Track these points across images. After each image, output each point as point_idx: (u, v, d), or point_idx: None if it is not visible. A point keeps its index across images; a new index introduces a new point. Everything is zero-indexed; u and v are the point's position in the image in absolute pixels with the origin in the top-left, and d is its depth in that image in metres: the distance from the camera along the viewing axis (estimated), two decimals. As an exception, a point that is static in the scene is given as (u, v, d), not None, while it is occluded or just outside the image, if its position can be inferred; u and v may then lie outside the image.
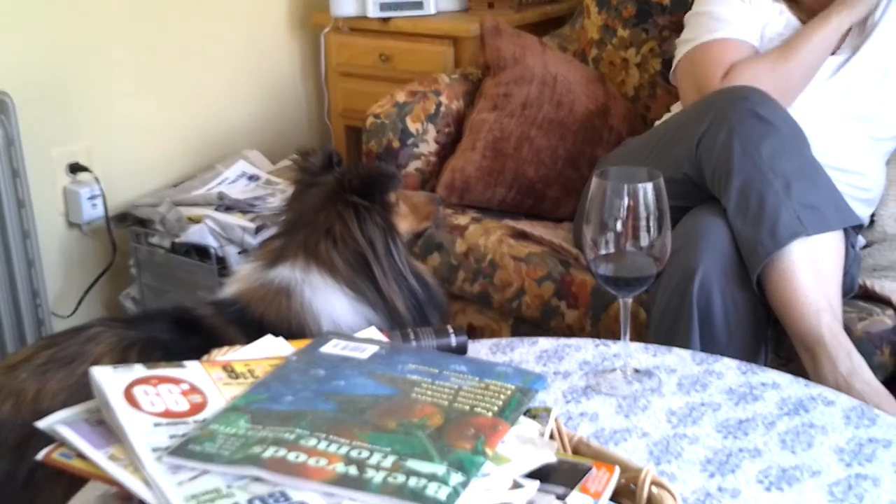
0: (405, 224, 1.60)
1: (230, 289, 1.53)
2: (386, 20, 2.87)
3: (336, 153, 1.61)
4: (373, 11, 2.87)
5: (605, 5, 2.52)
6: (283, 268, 1.51)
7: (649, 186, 1.17)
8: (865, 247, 1.98)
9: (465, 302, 2.14)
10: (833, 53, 1.97)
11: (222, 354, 1.13)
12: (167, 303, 2.45)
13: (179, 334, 1.41)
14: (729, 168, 1.64)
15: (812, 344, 1.56)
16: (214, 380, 1.03)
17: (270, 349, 1.14)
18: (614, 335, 1.57)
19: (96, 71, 2.61)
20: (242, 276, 1.54)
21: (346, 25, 2.95)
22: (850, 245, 1.71)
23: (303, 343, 1.14)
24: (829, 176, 1.70)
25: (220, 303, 1.50)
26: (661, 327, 1.65)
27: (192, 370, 1.05)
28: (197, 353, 1.13)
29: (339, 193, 1.52)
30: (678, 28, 2.12)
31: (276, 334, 1.18)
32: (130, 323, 1.46)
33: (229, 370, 1.06)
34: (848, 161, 1.90)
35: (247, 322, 1.44)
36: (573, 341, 1.38)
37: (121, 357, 1.34)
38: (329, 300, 1.47)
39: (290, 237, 1.55)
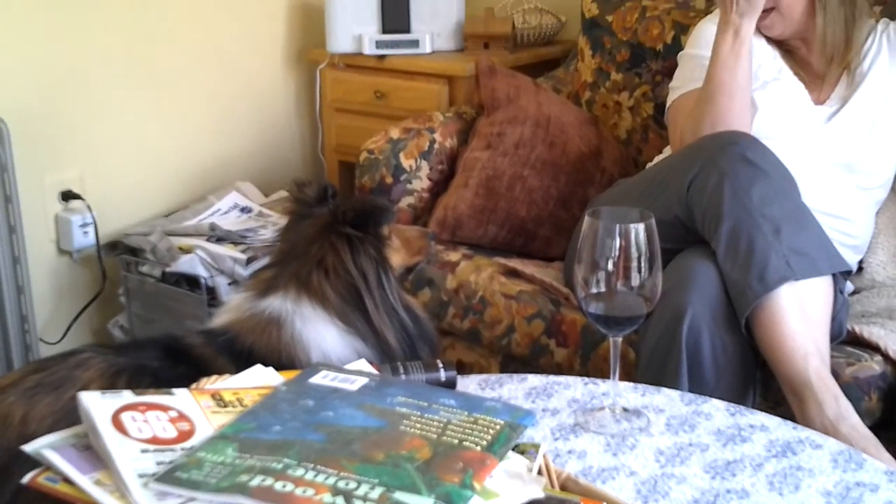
0: (397, 258, 1.60)
1: (221, 318, 1.53)
2: (382, 58, 2.89)
3: (331, 186, 1.61)
4: (369, 49, 2.89)
5: (600, 49, 2.55)
6: (274, 298, 1.50)
7: (641, 227, 1.18)
8: (854, 293, 1.99)
9: (454, 338, 2.14)
10: (822, 104, 1.99)
11: (211, 383, 1.12)
12: (156, 332, 2.45)
13: (168, 362, 1.40)
14: (719, 212, 1.65)
15: (799, 387, 1.56)
16: (203, 408, 1.03)
17: (259, 379, 1.14)
18: (603, 374, 1.58)
19: (91, 99, 2.62)
20: (233, 306, 1.54)
21: (341, 62, 2.97)
22: (838, 290, 1.72)
23: (292, 373, 1.14)
24: (818, 221, 1.71)
25: (210, 332, 1.50)
26: (651, 367, 1.65)
27: (180, 398, 1.05)
28: (186, 381, 1.12)
29: (332, 225, 1.52)
30: (671, 73, 2.14)
31: (266, 364, 1.18)
32: (120, 350, 1.46)
33: (218, 398, 1.06)
34: (836, 208, 1.91)
35: (237, 352, 1.43)
36: (562, 379, 1.38)
37: (109, 383, 1.33)
38: (319, 331, 1.47)
39: (283, 268, 1.54)
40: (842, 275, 1.77)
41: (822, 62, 1.98)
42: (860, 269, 2.04)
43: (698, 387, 1.59)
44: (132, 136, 2.74)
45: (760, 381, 1.69)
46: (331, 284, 1.49)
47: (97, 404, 0.98)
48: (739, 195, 1.65)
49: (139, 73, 2.73)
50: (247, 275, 2.41)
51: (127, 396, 1.02)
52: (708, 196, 1.68)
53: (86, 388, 1.28)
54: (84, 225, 2.62)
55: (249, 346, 1.44)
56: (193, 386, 1.11)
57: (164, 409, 1.01)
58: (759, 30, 2.04)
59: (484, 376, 1.40)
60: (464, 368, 2.11)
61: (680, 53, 2.11)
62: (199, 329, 1.53)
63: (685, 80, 2.03)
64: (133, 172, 2.76)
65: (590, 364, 1.90)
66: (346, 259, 1.49)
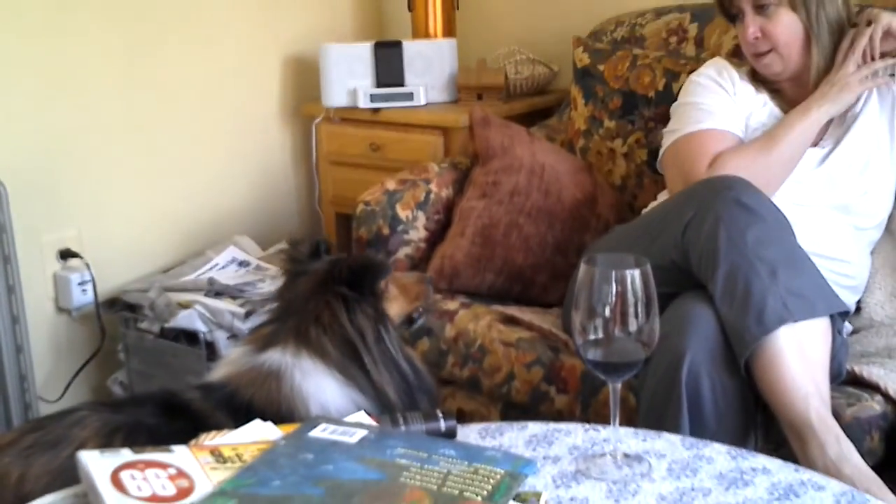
0: (396, 307, 1.60)
1: (219, 372, 1.53)
2: (376, 111, 2.92)
3: (324, 242, 1.63)
4: (364, 102, 2.92)
5: (592, 97, 2.57)
6: (273, 352, 1.51)
7: (637, 273, 1.18)
8: (853, 333, 1.99)
9: (454, 387, 2.14)
10: (815, 145, 2.00)
11: (210, 439, 1.12)
12: (155, 387, 2.44)
13: (165, 418, 1.40)
14: (715, 255, 1.66)
15: (801, 429, 1.56)
16: (202, 464, 1.03)
17: (258, 433, 1.14)
18: (604, 420, 1.57)
19: (88, 158, 2.64)
20: (232, 360, 1.54)
21: (337, 115, 3.00)
22: (836, 331, 1.72)
23: (291, 427, 1.14)
24: (815, 264, 1.72)
25: (208, 386, 1.50)
26: (651, 412, 1.65)
27: (179, 455, 1.05)
28: (183, 437, 1.12)
29: (328, 283, 1.53)
30: (663, 119, 2.16)
31: (265, 418, 1.18)
32: (117, 407, 1.46)
33: (217, 454, 1.06)
34: (832, 249, 1.92)
35: (235, 406, 1.43)
36: (563, 426, 1.38)
37: (105, 441, 1.33)
38: (319, 384, 1.47)
39: (281, 323, 1.55)
40: (840, 315, 1.78)
41: None
42: (858, 309, 2.04)
43: (699, 430, 1.59)
44: (129, 194, 2.76)
45: (762, 423, 1.69)
46: (329, 339, 1.50)
47: (96, 463, 0.98)
48: (735, 239, 1.66)
49: (135, 131, 2.75)
50: (246, 329, 2.42)
51: (126, 455, 1.02)
52: (704, 240, 1.68)
53: (82, 446, 1.28)
54: (82, 283, 2.63)
55: (248, 400, 1.44)
56: (192, 442, 1.11)
57: (164, 466, 1.01)
58: (753, 76, 2.08)
59: (484, 425, 1.39)
60: (464, 417, 2.10)
61: (673, 105, 2.13)
62: (196, 384, 1.54)
63: (682, 125, 2.04)
64: (130, 229, 2.77)
65: (590, 410, 1.90)
66: (343, 318, 1.50)
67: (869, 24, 1.94)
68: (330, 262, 1.58)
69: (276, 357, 1.50)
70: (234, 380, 1.49)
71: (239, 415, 1.33)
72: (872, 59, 1.93)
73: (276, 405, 1.44)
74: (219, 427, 1.19)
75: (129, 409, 1.43)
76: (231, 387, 1.47)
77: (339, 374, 1.49)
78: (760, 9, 1.96)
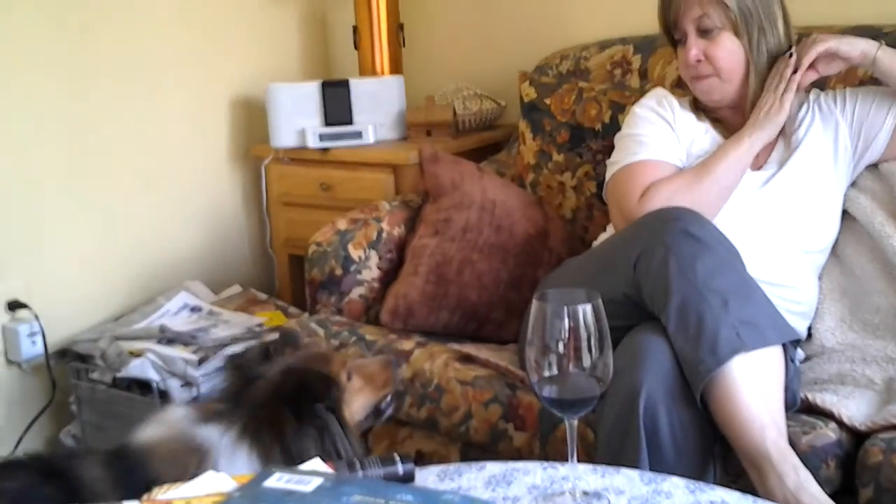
0: (361, 399, 1.56)
1: (144, 433, 1.44)
2: (326, 150, 2.91)
3: (271, 348, 1.58)
4: (313, 142, 2.91)
5: (540, 131, 2.59)
6: (214, 428, 1.43)
7: (588, 307, 1.19)
8: (805, 360, 2.01)
9: (412, 427, 2.12)
10: (760, 168, 2.03)
11: (163, 492, 1.10)
12: (109, 440, 2.37)
13: (36, 481, 1.31)
14: (666, 288, 1.67)
15: (758, 460, 1.56)
16: (154, 520, 1.01)
17: (212, 485, 1.12)
18: (563, 456, 1.56)
19: (32, 207, 2.61)
20: (164, 420, 1.46)
21: (286, 156, 2.99)
22: (789, 359, 1.73)
23: (245, 478, 1.12)
24: (764, 291, 1.74)
25: (117, 453, 1.41)
26: (610, 448, 1.64)
27: (131, 511, 1.02)
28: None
29: (274, 400, 1.46)
30: (610, 151, 2.17)
31: None
32: None
33: (170, 510, 1.03)
34: (780, 276, 1.94)
35: (135, 482, 1.30)
36: (521, 465, 1.37)
37: None
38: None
39: (236, 408, 1.48)
40: (791, 343, 1.79)
41: None
42: (809, 335, 2.06)
43: (658, 464, 1.59)
44: (77, 242, 2.73)
45: (720, 455, 1.69)
46: (281, 446, 1.44)
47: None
48: (685, 270, 1.66)
49: (80, 178, 2.72)
50: (199, 375, 2.38)
51: (75, 514, 1.00)
52: (654, 273, 1.69)
53: None
54: (32, 334, 2.58)
55: (153, 479, 1.31)
56: (145, 497, 1.09)
57: (115, 524, 0.99)
58: (694, 105, 2.10)
59: (442, 467, 1.38)
60: (423, 458, 2.08)
61: (616, 135, 2.16)
62: (110, 448, 1.44)
63: (623, 156, 2.06)
64: (79, 278, 2.74)
65: (549, 447, 1.89)
66: (288, 443, 1.43)
67: (791, 55, 1.98)
68: (280, 373, 1.51)
69: (213, 434, 1.42)
70: (151, 449, 1.40)
71: (134, 490, 1.18)
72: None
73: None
74: (95, 498, 1.13)
75: (2, 472, 1.35)
76: (140, 458, 1.38)
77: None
78: (704, 33, 1.99)
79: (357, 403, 1.54)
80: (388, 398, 1.63)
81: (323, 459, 1.38)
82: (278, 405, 1.46)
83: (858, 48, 1.95)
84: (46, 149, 2.63)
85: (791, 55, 1.99)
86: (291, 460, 1.42)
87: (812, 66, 1.98)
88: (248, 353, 1.56)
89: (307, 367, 1.53)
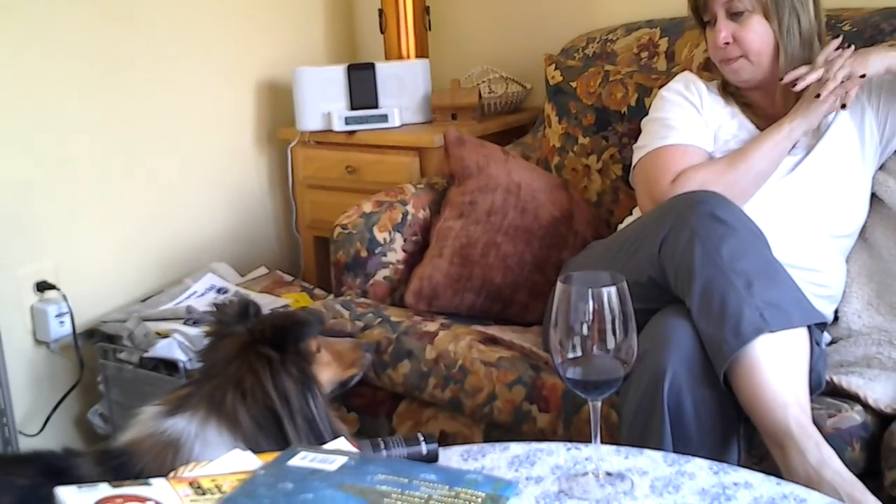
0: (328, 373, 1.54)
1: (126, 435, 1.45)
2: (351, 133, 2.92)
3: (254, 304, 1.55)
4: (338, 125, 2.92)
5: (566, 114, 2.58)
6: (180, 418, 1.42)
7: (613, 290, 1.19)
8: (831, 343, 2.00)
9: (436, 408, 2.13)
10: (788, 154, 2.02)
11: (189, 470, 1.12)
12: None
13: (41, 480, 1.31)
14: (690, 270, 1.66)
15: (781, 438, 1.56)
16: (181, 496, 1.02)
17: (237, 463, 1.13)
18: (587, 437, 1.57)
19: (62, 189, 2.63)
20: (139, 421, 1.46)
21: (312, 139, 3.00)
22: (814, 342, 1.72)
23: (270, 456, 1.13)
24: (790, 275, 1.73)
25: (104, 452, 1.43)
26: (634, 429, 1.65)
27: (158, 488, 1.04)
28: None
29: (251, 344, 1.46)
30: (636, 134, 2.17)
31: None
32: None
33: (196, 486, 1.05)
34: (807, 259, 1.93)
35: (125, 476, 1.31)
36: (545, 445, 1.38)
37: None
38: None
39: (198, 387, 1.47)
40: (818, 326, 1.78)
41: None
42: (836, 318, 2.05)
43: (682, 445, 1.59)
44: (105, 224, 2.75)
45: (744, 436, 1.69)
46: (246, 408, 1.42)
47: (74, 498, 0.98)
48: (710, 252, 1.66)
49: (109, 160, 2.74)
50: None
51: (104, 489, 1.01)
52: (679, 255, 1.69)
53: None
54: (60, 315, 2.61)
55: (140, 470, 1.36)
56: (171, 475, 1.10)
57: (142, 500, 1.01)
58: (723, 88, 2.09)
59: (466, 447, 1.39)
60: (447, 439, 2.09)
61: (643, 119, 2.15)
62: (94, 448, 1.47)
63: (651, 140, 2.06)
64: (107, 259, 2.76)
65: (572, 428, 1.90)
66: (266, 381, 1.42)
67: (849, 45, 1.95)
68: (252, 323, 1.51)
69: (180, 425, 1.41)
70: (133, 447, 1.41)
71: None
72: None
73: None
74: None
75: (5, 467, 1.37)
76: (126, 455, 1.39)
77: (247, 447, 1.37)
78: (734, 15, 1.98)
79: (324, 376, 1.51)
80: (354, 379, 1.61)
81: (294, 421, 1.38)
82: (253, 351, 1.45)
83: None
84: (76, 132, 2.65)
85: (849, 45, 1.96)
86: (268, 415, 1.41)
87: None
88: (227, 308, 1.54)
89: (288, 313, 1.52)
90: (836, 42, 1.97)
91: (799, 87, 1.94)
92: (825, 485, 1.48)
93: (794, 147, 2.02)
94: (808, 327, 1.69)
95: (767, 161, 1.96)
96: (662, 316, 1.69)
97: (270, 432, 1.41)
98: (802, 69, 1.95)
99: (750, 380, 1.59)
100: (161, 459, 1.37)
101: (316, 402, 1.45)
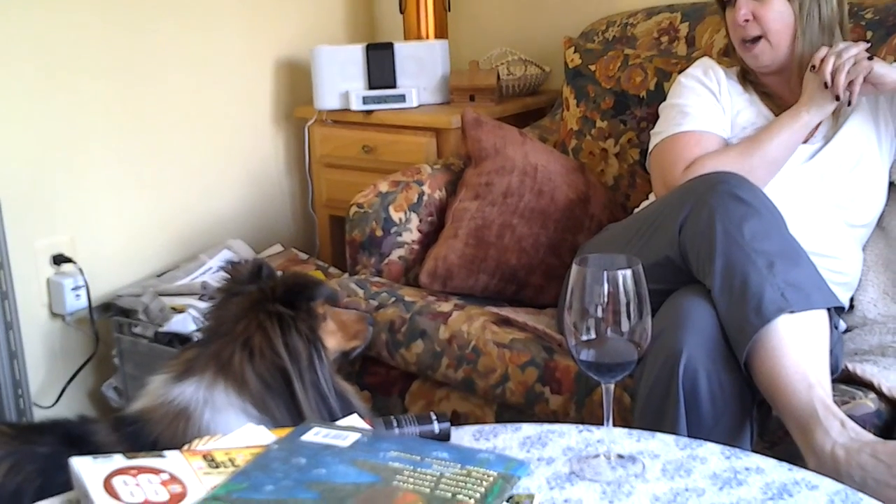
0: (332, 341, 1.53)
1: (138, 403, 1.45)
2: (369, 113, 2.92)
3: (267, 265, 1.54)
4: (356, 105, 2.92)
5: (584, 97, 2.57)
6: (188, 384, 1.42)
7: (628, 273, 1.18)
8: (846, 331, 2.00)
9: (449, 388, 2.14)
10: (805, 142, 2.01)
11: (203, 443, 1.12)
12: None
13: (61, 448, 1.32)
14: (712, 249, 1.66)
15: (805, 419, 1.54)
16: (195, 469, 1.03)
17: (251, 437, 1.13)
18: (599, 420, 1.57)
19: (80, 163, 2.64)
20: (150, 391, 1.46)
21: (329, 118, 3.00)
22: (833, 326, 1.72)
23: (284, 431, 1.14)
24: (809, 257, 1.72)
25: (120, 419, 1.43)
26: (647, 411, 1.64)
27: (172, 460, 1.05)
28: None
29: (261, 302, 1.45)
30: (654, 119, 2.16)
31: None
32: (15, 434, 1.38)
33: (209, 459, 1.06)
34: (825, 246, 1.92)
35: (142, 444, 1.34)
36: (557, 427, 1.38)
37: None
38: (230, 423, 1.35)
39: (204, 348, 1.47)
40: (835, 311, 1.78)
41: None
42: (851, 306, 2.04)
43: (696, 428, 1.59)
44: (122, 198, 2.76)
45: (757, 420, 1.69)
46: (254, 367, 1.42)
47: (88, 469, 0.98)
48: (731, 232, 1.66)
49: (128, 136, 2.75)
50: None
51: (118, 460, 1.02)
52: (700, 235, 1.69)
53: None
54: (76, 288, 2.62)
55: (155, 439, 1.36)
56: (185, 447, 1.11)
57: (156, 471, 1.01)
58: (741, 76, 2.08)
59: (478, 427, 1.39)
60: (459, 419, 2.10)
61: (661, 105, 2.14)
62: (111, 416, 1.47)
63: (667, 126, 2.06)
64: (123, 234, 2.77)
65: (585, 410, 1.90)
66: (275, 338, 1.42)
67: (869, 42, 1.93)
68: (263, 282, 1.50)
69: (188, 392, 1.41)
70: (146, 415, 1.41)
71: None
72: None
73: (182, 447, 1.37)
74: None
75: (26, 436, 1.37)
76: (141, 422, 1.40)
77: (256, 409, 1.40)
78: None
79: (328, 344, 1.51)
80: (356, 351, 1.61)
81: (302, 378, 1.38)
82: (263, 309, 1.44)
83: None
84: (94, 106, 2.66)
85: (869, 42, 1.95)
86: (277, 373, 1.41)
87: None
88: (239, 267, 1.53)
89: (300, 273, 1.51)
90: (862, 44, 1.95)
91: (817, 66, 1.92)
92: (852, 465, 1.46)
93: (812, 136, 2.01)
94: (828, 311, 1.69)
95: (782, 149, 1.95)
96: (679, 296, 1.69)
97: (278, 392, 1.40)
98: (823, 51, 1.93)
99: (772, 360, 1.58)
100: (173, 429, 1.38)
101: (322, 363, 1.44)
